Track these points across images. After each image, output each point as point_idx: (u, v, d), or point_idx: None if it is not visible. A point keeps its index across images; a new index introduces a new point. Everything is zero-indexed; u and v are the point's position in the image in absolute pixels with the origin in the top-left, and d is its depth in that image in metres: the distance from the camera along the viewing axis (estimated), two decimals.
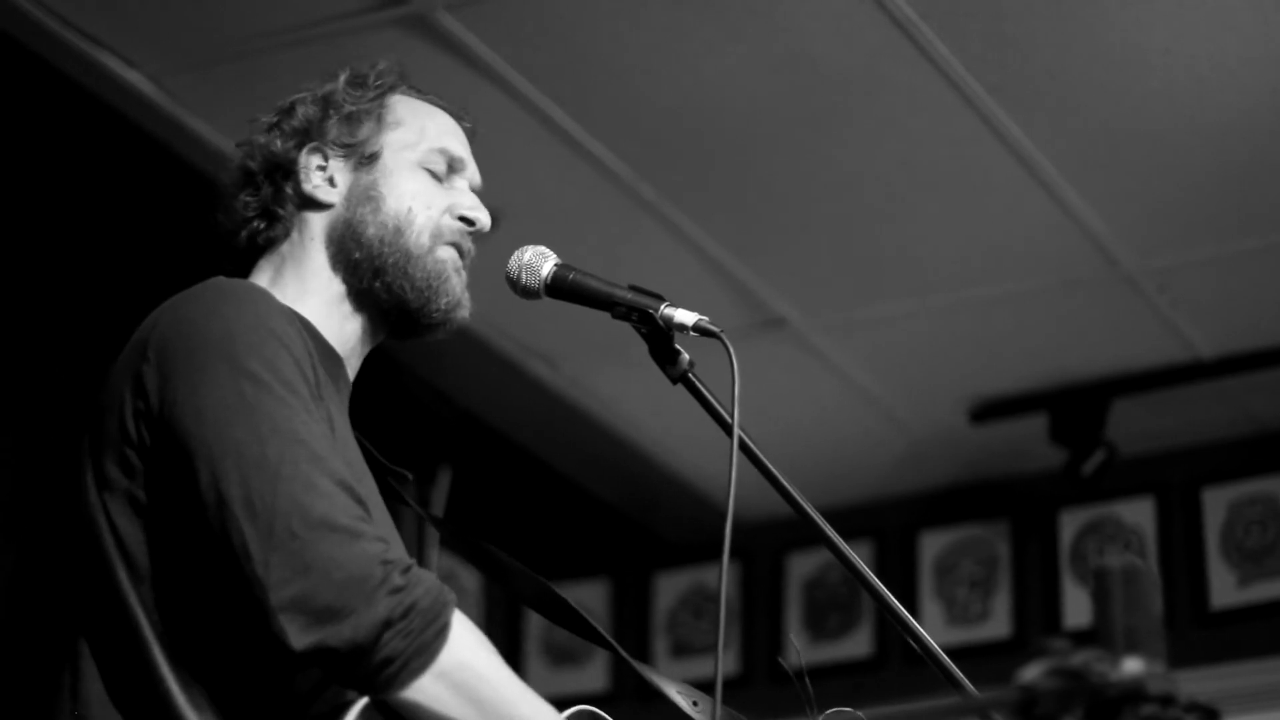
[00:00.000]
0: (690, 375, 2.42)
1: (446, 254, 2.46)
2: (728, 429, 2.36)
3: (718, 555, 2.26)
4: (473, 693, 2.09)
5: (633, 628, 6.38)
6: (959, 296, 5.26)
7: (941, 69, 4.44)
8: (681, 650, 6.31)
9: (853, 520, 5.97)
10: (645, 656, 6.31)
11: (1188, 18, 4.29)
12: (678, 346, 2.41)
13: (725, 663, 5.93)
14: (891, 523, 6.16)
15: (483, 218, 2.49)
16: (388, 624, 2.03)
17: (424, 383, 5.59)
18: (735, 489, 2.29)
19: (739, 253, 5.12)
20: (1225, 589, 5.72)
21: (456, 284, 2.46)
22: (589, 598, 6.44)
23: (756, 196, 4.91)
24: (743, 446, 2.37)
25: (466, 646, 2.10)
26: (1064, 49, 4.39)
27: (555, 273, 2.46)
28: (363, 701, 2.08)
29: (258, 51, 4.35)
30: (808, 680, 2.46)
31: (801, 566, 6.26)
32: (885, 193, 4.88)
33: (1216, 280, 5.16)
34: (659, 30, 4.35)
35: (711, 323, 2.38)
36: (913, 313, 5.34)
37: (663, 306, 2.39)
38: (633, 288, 2.41)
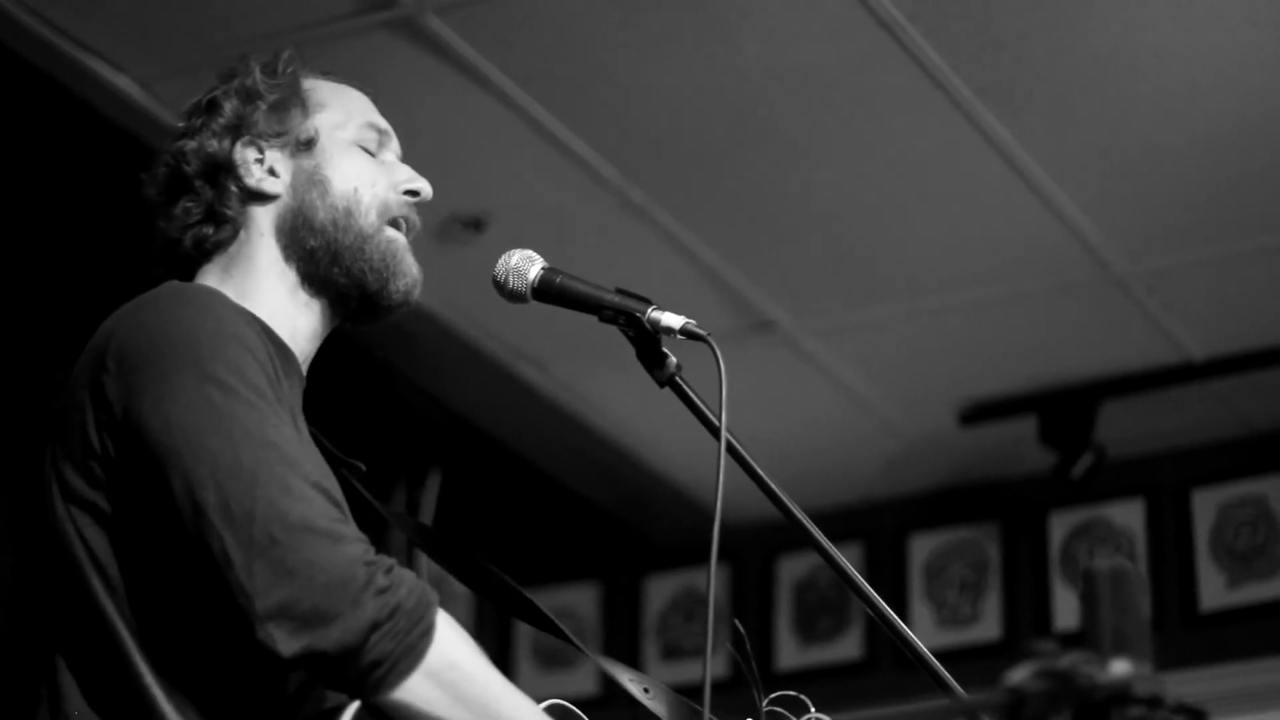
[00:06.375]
0: (677, 379, 2.41)
1: (395, 234, 2.44)
2: (715, 432, 2.36)
3: (708, 558, 2.26)
4: (460, 691, 2.09)
5: (623, 631, 6.38)
6: (948, 299, 5.26)
7: (930, 71, 4.44)
8: (672, 653, 6.30)
9: (843, 523, 5.98)
10: (636, 660, 6.30)
11: (1179, 21, 4.29)
12: (665, 350, 2.41)
13: (715, 665, 5.89)
14: (882, 525, 6.16)
15: (424, 186, 2.49)
16: (375, 626, 2.02)
17: (413, 386, 5.58)
18: (723, 492, 2.29)
19: (728, 256, 5.12)
20: (1215, 591, 5.72)
21: (411, 261, 2.45)
22: (579, 601, 6.44)
23: (745, 199, 4.91)
24: (730, 449, 2.36)
25: (452, 645, 2.09)
26: (1054, 51, 4.39)
27: (542, 276, 2.45)
28: (355, 704, 2.08)
29: (246, 56, 4.34)
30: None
31: (791, 569, 6.25)
32: (874, 195, 4.88)
33: (1206, 282, 5.17)
34: (647, 33, 4.35)
35: (698, 326, 2.37)
36: (902, 315, 5.34)
37: (649, 310, 2.39)
38: (620, 291, 2.41)
